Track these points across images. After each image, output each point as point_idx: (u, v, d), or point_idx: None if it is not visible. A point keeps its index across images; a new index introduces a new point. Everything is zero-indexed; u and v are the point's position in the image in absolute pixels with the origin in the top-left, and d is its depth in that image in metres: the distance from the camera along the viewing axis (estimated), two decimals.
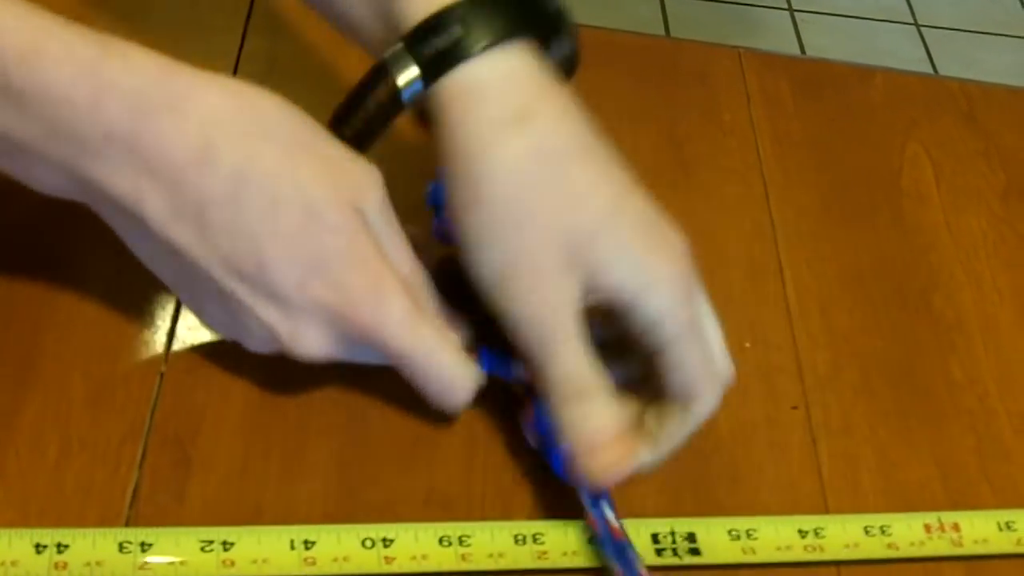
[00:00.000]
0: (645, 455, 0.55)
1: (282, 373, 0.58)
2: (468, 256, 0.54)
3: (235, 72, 0.70)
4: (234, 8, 0.74)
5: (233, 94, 0.51)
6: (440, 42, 0.53)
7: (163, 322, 0.59)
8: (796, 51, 2.30)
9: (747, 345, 0.64)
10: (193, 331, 0.58)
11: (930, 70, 2.33)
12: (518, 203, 0.53)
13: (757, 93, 0.79)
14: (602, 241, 0.53)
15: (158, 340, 0.58)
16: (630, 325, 0.54)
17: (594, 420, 0.54)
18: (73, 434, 0.54)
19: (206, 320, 0.55)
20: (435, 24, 0.53)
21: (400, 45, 0.54)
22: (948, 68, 2.33)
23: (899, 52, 2.36)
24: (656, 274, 0.53)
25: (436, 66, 0.53)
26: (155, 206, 0.50)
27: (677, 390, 0.54)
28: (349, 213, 0.52)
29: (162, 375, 0.57)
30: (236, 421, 0.56)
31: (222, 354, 0.58)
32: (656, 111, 0.76)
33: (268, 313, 0.52)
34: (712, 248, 0.69)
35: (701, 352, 0.55)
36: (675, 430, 0.55)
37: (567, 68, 0.58)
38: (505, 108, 0.53)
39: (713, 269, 0.67)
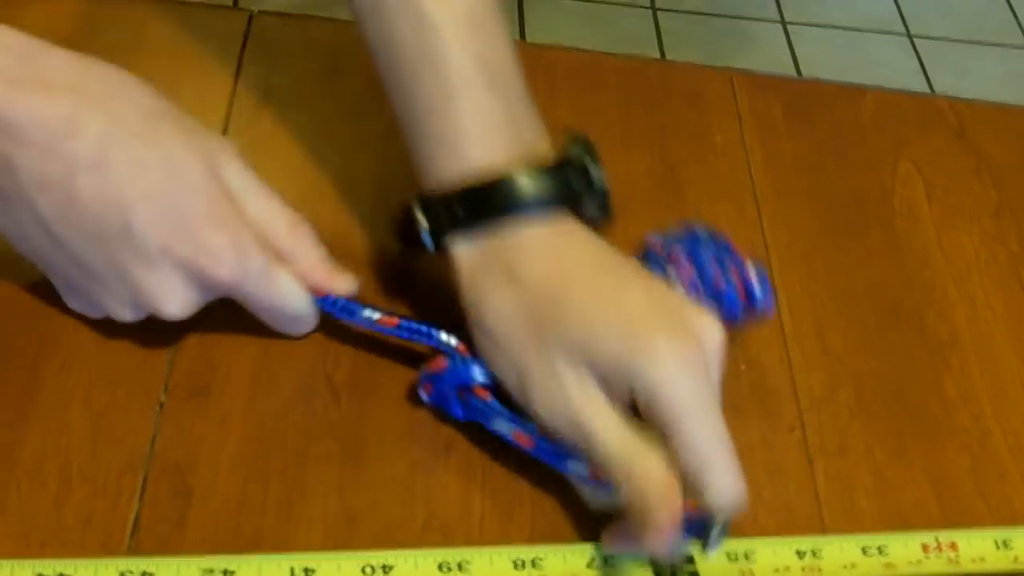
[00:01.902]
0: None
1: (281, 402, 0.58)
2: (499, 374, 0.57)
3: (231, 101, 0.70)
4: (229, 36, 0.75)
5: (98, 68, 0.54)
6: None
7: (162, 352, 0.59)
8: (789, 62, 2.31)
9: (742, 367, 0.65)
10: (193, 360, 0.59)
11: (923, 81, 2.34)
12: (519, 331, 0.56)
13: (749, 115, 0.79)
14: (593, 333, 0.54)
15: (157, 370, 0.58)
16: (645, 406, 0.53)
17: (656, 472, 0.52)
18: (74, 465, 0.54)
19: (71, 299, 0.58)
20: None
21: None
22: (941, 78, 2.33)
23: (892, 63, 2.36)
24: (650, 348, 0.53)
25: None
26: (25, 176, 0.52)
27: (689, 472, 0.52)
28: (208, 173, 0.55)
29: (161, 405, 0.57)
30: (235, 449, 0.56)
31: (221, 383, 0.58)
32: (648, 134, 0.77)
33: (135, 275, 0.54)
34: None
35: (714, 435, 0.53)
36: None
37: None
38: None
39: None
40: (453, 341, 0.58)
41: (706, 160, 0.76)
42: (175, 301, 0.55)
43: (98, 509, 0.53)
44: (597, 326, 0.54)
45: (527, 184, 0.57)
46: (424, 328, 0.59)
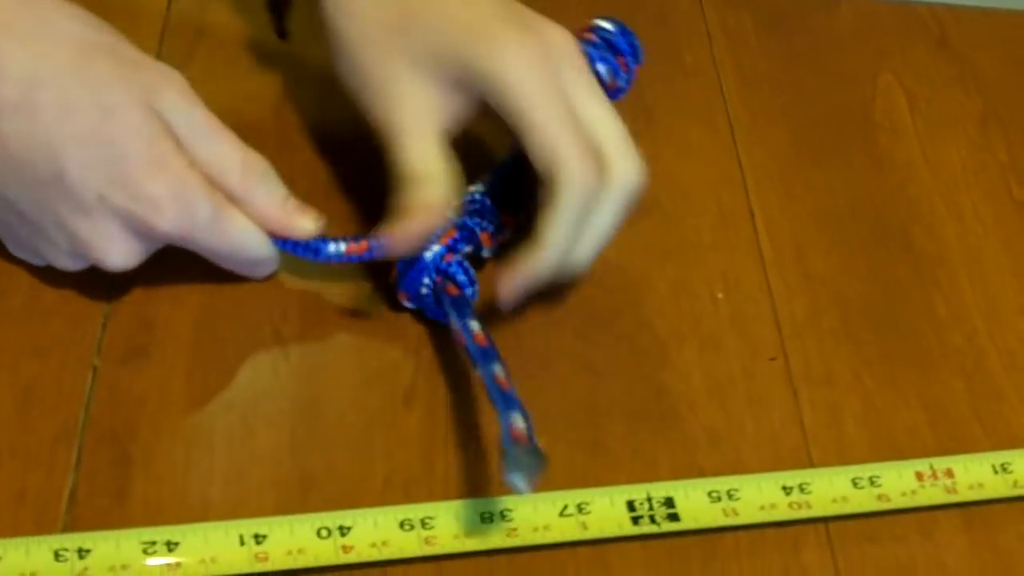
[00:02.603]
0: (533, 260, 0.53)
1: (225, 360, 0.55)
2: (344, 85, 0.56)
3: (161, 38, 0.66)
4: None
5: (21, 2, 0.50)
6: None
7: (94, 311, 0.55)
8: None
9: (719, 295, 0.61)
10: (128, 319, 0.55)
11: None
12: (369, 33, 0.55)
13: (719, 31, 0.75)
14: (444, 37, 0.54)
15: (89, 332, 0.54)
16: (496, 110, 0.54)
17: (431, 197, 0.54)
18: (2, 438, 0.51)
19: (12, 246, 0.54)
20: None
21: None
22: None
23: None
24: (497, 48, 0.53)
25: None
26: None
27: (540, 165, 0.53)
28: (146, 113, 0.50)
29: (95, 368, 0.53)
30: (177, 412, 0.53)
31: (159, 340, 0.54)
32: None
33: (72, 224, 0.50)
34: (679, 195, 0.65)
35: (561, 120, 0.53)
36: (552, 219, 0.53)
37: None
38: None
39: (681, 217, 0.64)
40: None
41: (675, 81, 0.72)
42: (117, 252, 0.51)
43: (31, 484, 0.50)
44: (449, 32, 0.54)
45: None
46: None
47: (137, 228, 0.50)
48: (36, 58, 0.48)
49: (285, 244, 0.54)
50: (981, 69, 0.77)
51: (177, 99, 0.51)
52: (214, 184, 0.51)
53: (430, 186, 0.54)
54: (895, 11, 0.81)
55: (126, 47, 0.51)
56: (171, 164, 0.50)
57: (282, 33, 0.62)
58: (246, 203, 0.53)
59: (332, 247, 0.54)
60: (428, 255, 0.55)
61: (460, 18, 0.54)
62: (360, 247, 0.55)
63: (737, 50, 0.75)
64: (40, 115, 0.48)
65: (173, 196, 0.50)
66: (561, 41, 0.54)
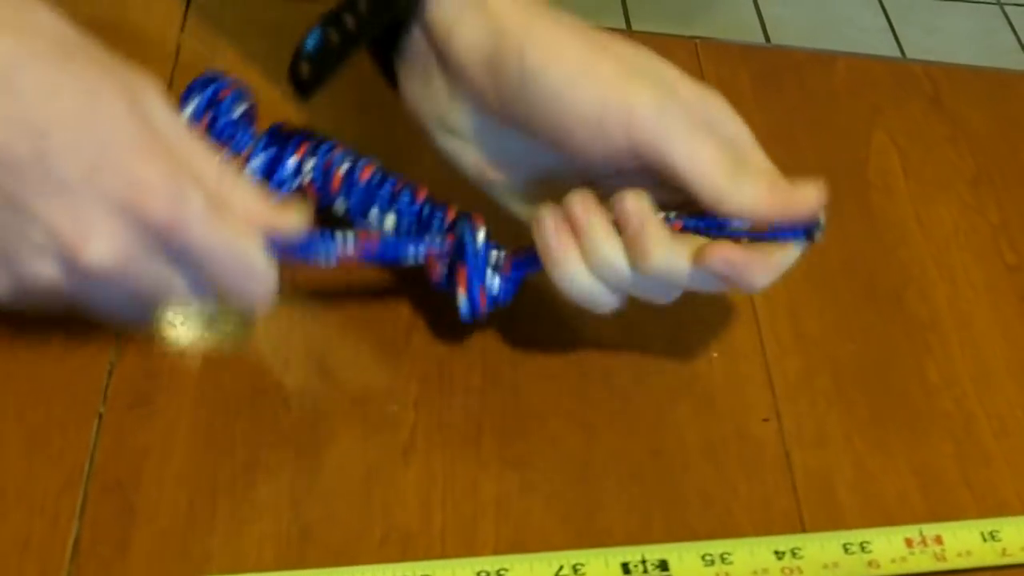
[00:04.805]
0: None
1: (227, 411, 0.55)
2: (565, 101, 0.54)
3: (170, 82, 0.67)
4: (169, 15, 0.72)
5: None
6: None
7: (100, 359, 0.56)
8: (755, 22, 2.27)
9: (714, 355, 0.62)
10: (133, 367, 0.55)
11: (891, 38, 2.31)
12: (596, 51, 0.54)
13: (716, 85, 0.76)
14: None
15: (95, 379, 0.55)
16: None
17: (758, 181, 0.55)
18: (8, 485, 0.51)
19: None
20: None
21: None
22: (910, 36, 2.30)
23: (859, 20, 2.33)
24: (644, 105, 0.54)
25: None
26: None
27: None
28: (132, 107, 0.48)
29: (100, 416, 0.54)
30: (180, 462, 0.53)
31: (164, 389, 0.55)
32: None
33: (51, 210, 0.46)
34: None
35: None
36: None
37: None
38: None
39: None
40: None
41: None
42: (99, 240, 0.47)
43: (36, 532, 0.50)
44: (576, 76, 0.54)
45: None
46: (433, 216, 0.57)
47: (126, 213, 0.47)
48: (17, 44, 0.47)
49: (280, 248, 0.51)
50: (973, 129, 0.78)
51: (156, 99, 0.49)
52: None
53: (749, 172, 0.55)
54: (889, 68, 0.82)
55: (102, 51, 0.49)
56: (162, 154, 0.48)
57: (305, 92, 0.59)
58: (228, 205, 0.50)
59: (339, 239, 0.53)
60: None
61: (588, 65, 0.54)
62: (372, 237, 0.55)
63: (733, 104, 0.75)
64: (23, 95, 0.46)
65: (166, 180, 0.47)
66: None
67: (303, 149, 0.58)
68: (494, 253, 0.56)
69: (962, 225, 0.72)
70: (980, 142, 0.77)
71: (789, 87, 0.78)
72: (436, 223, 0.57)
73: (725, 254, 0.53)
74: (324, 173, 0.57)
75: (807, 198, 0.55)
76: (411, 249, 0.55)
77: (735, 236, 0.53)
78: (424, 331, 0.59)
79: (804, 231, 0.54)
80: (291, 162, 0.57)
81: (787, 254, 0.55)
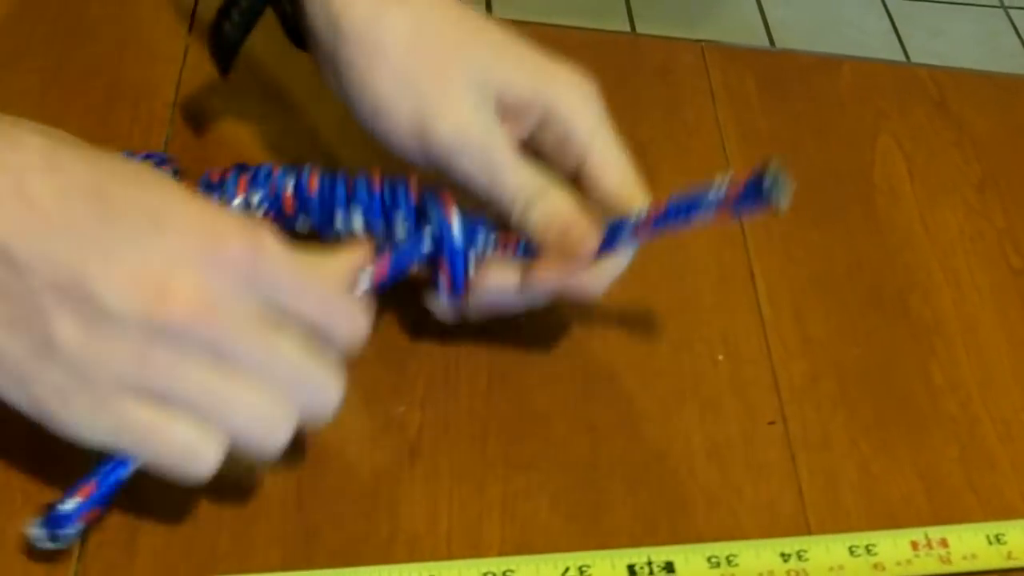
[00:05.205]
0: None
1: None
2: (382, 117, 0.55)
3: (180, 77, 0.67)
4: (178, 14, 0.72)
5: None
6: None
7: None
8: (759, 25, 2.27)
9: (720, 358, 0.62)
10: None
11: (895, 42, 2.31)
12: (419, 54, 0.55)
13: (722, 90, 0.76)
14: (501, 64, 0.56)
15: None
16: (555, 138, 0.56)
17: (558, 204, 0.55)
18: (15, 486, 0.51)
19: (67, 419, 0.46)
20: None
21: None
22: (914, 39, 2.31)
23: (863, 23, 2.34)
24: (560, 78, 0.57)
25: None
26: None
27: (612, 190, 0.56)
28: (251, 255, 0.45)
29: None
30: None
31: None
32: (618, 112, 0.72)
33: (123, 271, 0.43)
34: (680, 256, 0.66)
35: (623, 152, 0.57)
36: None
37: None
38: None
39: (682, 277, 0.65)
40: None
41: (678, 138, 0.73)
42: (187, 289, 0.44)
43: None
44: (508, 57, 0.56)
45: None
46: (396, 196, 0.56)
47: (205, 256, 0.44)
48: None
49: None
50: (979, 133, 0.78)
51: (275, 245, 0.47)
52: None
53: (554, 197, 0.55)
54: (894, 72, 0.83)
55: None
56: (219, 210, 0.47)
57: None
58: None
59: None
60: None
61: (518, 46, 0.57)
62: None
63: (739, 109, 0.76)
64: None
65: (237, 225, 0.46)
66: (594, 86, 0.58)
67: (242, 185, 0.57)
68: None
69: (967, 229, 0.72)
70: (985, 146, 0.77)
71: (794, 91, 0.78)
72: (402, 202, 0.56)
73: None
74: (273, 199, 0.57)
75: (584, 244, 0.55)
76: (416, 251, 0.55)
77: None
78: (431, 332, 0.60)
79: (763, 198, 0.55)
80: (237, 203, 0.57)
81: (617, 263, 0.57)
